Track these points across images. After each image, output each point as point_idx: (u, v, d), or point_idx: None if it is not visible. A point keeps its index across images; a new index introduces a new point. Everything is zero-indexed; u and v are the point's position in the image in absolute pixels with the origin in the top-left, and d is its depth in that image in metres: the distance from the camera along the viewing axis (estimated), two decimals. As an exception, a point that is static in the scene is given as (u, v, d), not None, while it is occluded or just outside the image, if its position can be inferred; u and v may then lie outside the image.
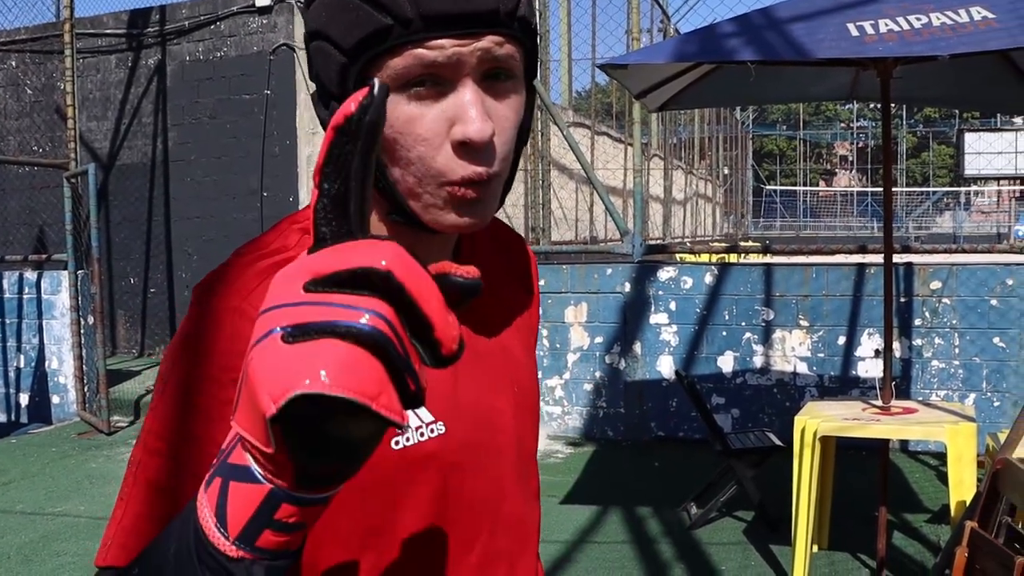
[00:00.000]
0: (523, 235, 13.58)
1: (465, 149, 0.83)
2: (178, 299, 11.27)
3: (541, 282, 7.10)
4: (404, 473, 0.89)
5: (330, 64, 0.85)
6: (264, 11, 10.63)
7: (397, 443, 0.88)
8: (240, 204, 10.86)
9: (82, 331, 8.21)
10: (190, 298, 0.88)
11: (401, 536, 0.90)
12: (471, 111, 0.82)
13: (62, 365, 8.58)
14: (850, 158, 54.02)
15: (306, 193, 10.68)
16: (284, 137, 10.65)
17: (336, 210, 0.55)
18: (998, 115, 25.41)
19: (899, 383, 6.61)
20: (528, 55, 0.89)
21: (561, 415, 7.26)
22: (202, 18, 10.95)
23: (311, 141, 10.79)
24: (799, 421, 4.09)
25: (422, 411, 0.91)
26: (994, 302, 6.58)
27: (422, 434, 0.90)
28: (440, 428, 0.92)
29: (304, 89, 10.69)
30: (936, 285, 6.65)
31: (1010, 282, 6.56)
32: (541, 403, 7.11)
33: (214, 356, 0.81)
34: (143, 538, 0.76)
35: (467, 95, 0.83)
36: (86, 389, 8.27)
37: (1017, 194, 32.50)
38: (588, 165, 7.53)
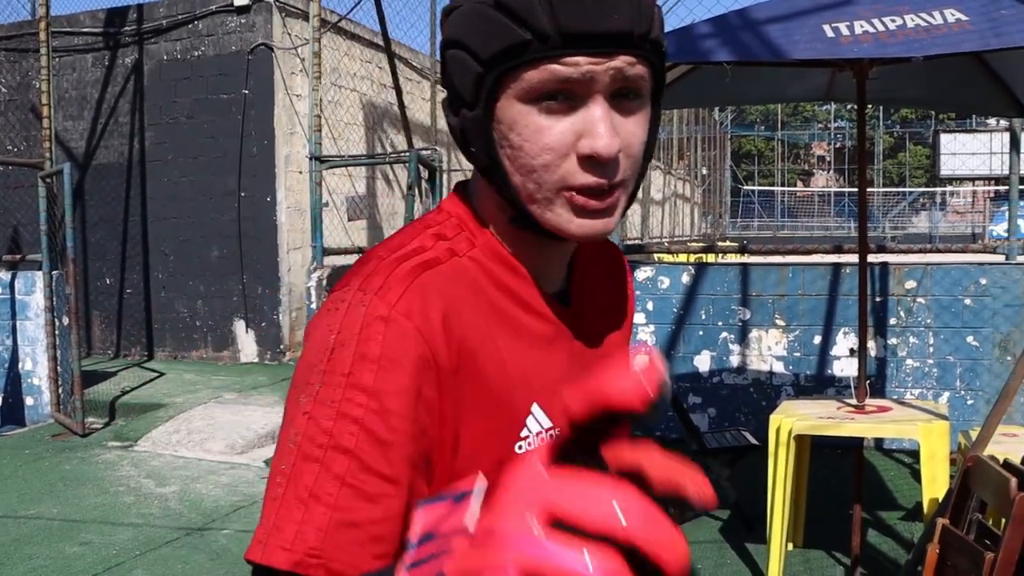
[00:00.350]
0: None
1: (591, 163, 0.87)
2: (154, 300, 11.21)
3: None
4: None
5: (466, 73, 0.89)
6: (242, 11, 10.59)
7: (520, 447, 0.93)
8: (217, 204, 10.81)
9: (56, 332, 8.15)
10: (328, 296, 0.90)
11: None
12: (600, 127, 0.86)
13: (36, 366, 8.52)
14: (827, 158, 54.30)
15: (284, 193, 10.64)
16: (262, 137, 10.61)
17: (586, 451, 0.56)
18: (973, 116, 25.57)
19: (874, 382, 6.66)
20: (656, 75, 0.92)
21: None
22: (179, 17, 10.90)
23: (289, 141, 10.76)
24: (774, 420, 4.11)
25: (543, 417, 0.95)
26: (968, 301, 6.63)
27: (542, 439, 0.94)
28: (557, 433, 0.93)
29: (282, 88, 10.66)
30: (911, 285, 6.69)
31: (984, 282, 6.61)
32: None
33: (365, 366, 0.83)
34: (302, 541, 0.79)
35: (597, 111, 0.86)
36: (60, 390, 8.21)
37: (992, 194, 32.75)
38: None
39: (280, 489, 0.82)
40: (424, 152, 7.94)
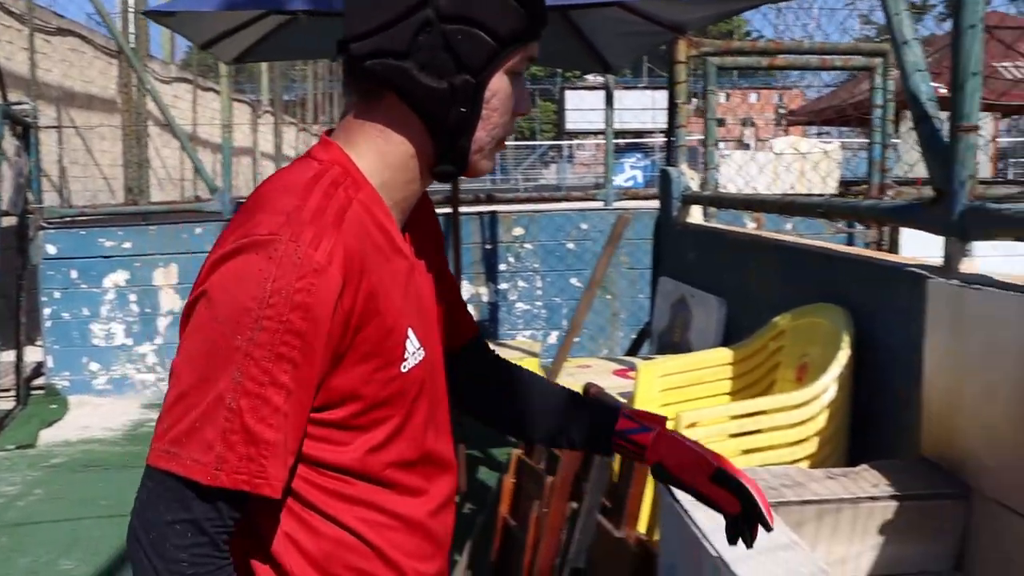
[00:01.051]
0: (122, 195, 12.61)
1: (519, 118, 1.17)
2: None
3: (127, 244, 6.73)
4: (411, 388, 1.16)
5: (481, 46, 1.09)
6: None
7: (405, 367, 1.14)
8: None
9: None
10: (248, 235, 1.01)
11: (415, 430, 1.19)
12: (527, 92, 1.17)
13: None
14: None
15: None
16: None
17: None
18: (594, 74, 27.34)
19: (488, 326, 6.98)
20: None
21: (155, 382, 6.94)
22: None
23: None
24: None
25: (415, 339, 1.16)
26: (571, 246, 7.10)
27: (416, 358, 1.16)
28: (422, 353, 1.18)
29: None
30: (519, 231, 7.06)
31: (584, 227, 7.11)
32: (135, 372, 6.79)
33: (298, 315, 1.00)
34: (250, 467, 1.00)
35: (524, 82, 1.18)
36: None
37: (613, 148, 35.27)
38: (173, 119, 7.18)
39: (227, 423, 0.99)
40: (17, 107, 7.26)
